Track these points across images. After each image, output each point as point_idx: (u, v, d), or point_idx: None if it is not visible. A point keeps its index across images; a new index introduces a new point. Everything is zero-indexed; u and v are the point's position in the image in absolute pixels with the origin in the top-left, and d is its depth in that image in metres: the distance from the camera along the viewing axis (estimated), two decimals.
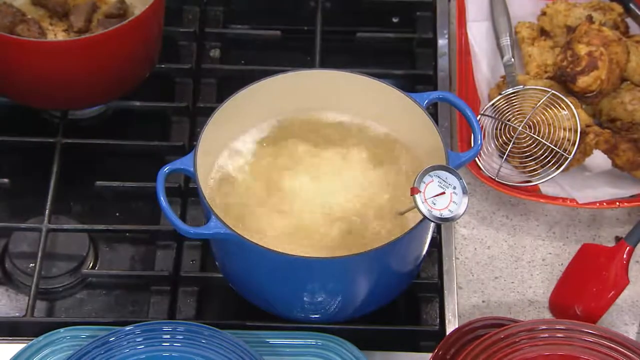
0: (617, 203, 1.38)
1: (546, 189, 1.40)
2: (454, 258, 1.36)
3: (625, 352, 1.19)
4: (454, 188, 1.18)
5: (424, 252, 1.29)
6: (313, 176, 1.30)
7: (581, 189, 1.39)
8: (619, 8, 1.52)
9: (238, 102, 1.29)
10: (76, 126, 1.49)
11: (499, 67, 1.49)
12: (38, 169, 1.44)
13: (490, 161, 1.41)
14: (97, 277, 1.37)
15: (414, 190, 1.17)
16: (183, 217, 1.40)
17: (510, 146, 1.39)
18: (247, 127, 1.33)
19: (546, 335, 1.20)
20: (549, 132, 1.38)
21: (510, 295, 1.35)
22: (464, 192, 1.18)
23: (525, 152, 1.39)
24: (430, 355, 1.21)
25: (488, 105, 1.44)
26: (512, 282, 1.36)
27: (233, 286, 1.30)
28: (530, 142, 1.39)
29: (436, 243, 1.37)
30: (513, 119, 1.41)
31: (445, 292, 1.33)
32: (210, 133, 1.26)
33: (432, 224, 1.24)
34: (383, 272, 1.24)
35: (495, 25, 1.53)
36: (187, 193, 1.42)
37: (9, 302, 1.35)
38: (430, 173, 1.18)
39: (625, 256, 1.29)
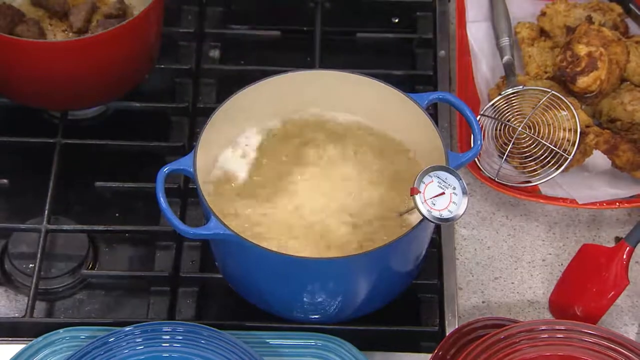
0: (617, 203, 1.38)
1: (546, 189, 1.40)
2: (453, 259, 1.36)
3: (625, 352, 1.19)
4: (454, 188, 1.18)
5: (424, 253, 1.29)
6: (312, 176, 1.30)
7: (581, 190, 1.39)
8: (618, 8, 1.52)
9: (238, 102, 1.29)
10: (76, 126, 1.49)
11: (499, 68, 1.49)
12: (37, 169, 1.44)
13: (490, 161, 1.41)
14: (97, 277, 1.37)
15: (414, 191, 1.17)
16: (182, 218, 1.40)
17: (510, 146, 1.39)
18: (246, 128, 1.33)
19: (546, 335, 1.20)
20: (549, 133, 1.38)
21: (510, 296, 1.35)
22: (464, 192, 1.18)
23: (525, 152, 1.39)
24: (430, 355, 1.21)
25: (488, 106, 1.44)
26: (512, 283, 1.36)
27: (233, 287, 1.30)
28: (530, 142, 1.39)
29: (436, 243, 1.37)
30: (513, 119, 1.41)
31: (445, 292, 1.33)
32: (210, 133, 1.26)
33: (432, 225, 1.24)
34: (383, 273, 1.24)
35: (495, 25, 1.53)
36: (187, 193, 1.42)
37: (8, 302, 1.35)
38: (430, 173, 1.18)
39: (625, 256, 1.29)
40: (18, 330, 1.30)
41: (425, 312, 1.34)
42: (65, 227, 1.38)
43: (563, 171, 1.37)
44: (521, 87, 1.43)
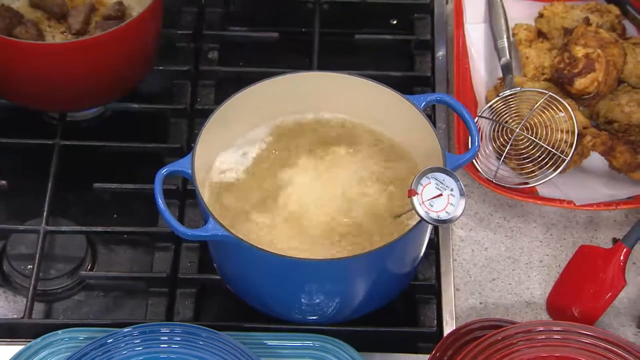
0: (614, 205, 1.38)
1: (543, 190, 1.40)
2: (451, 260, 1.37)
3: (622, 353, 1.19)
4: (452, 190, 1.18)
5: (422, 254, 1.29)
6: (311, 178, 1.30)
7: (578, 191, 1.40)
8: (616, 10, 1.52)
9: (236, 104, 1.29)
10: (74, 128, 1.49)
11: (497, 69, 1.50)
12: (36, 170, 1.44)
13: (487, 163, 1.42)
14: (95, 278, 1.37)
15: (412, 192, 1.17)
16: (181, 219, 1.40)
17: (507, 148, 1.39)
18: (245, 129, 1.34)
19: (543, 336, 1.20)
20: (546, 134, 1.38)
21: (507, 297, 1.35)
22: (462, 194, 1.18)
23: (523, 154, 1.39)
24: (427, 356, 1.21)
25: (485, 107, 1.44)
26: (510, 284, 1.36)
27: (231, 288, 1.31)
28: (528, 144, 1.39)
29: (434, 245, 1.37)
30: (510, 120, 1.41)
31: (443, 293, 1.34)
32: (208, 135, 1.26)
33: (430, 226, 1.24)
34: (381, 274, 1.24)
35: (493, 27, 1.53)
36: (185, 195, 1.42)
37: (6, 303, 1.35)
38: (427, 175, 1.18)
39: (622, 258, 1.29)
40: (17, 332, 1.30)
41: (422, 313, 1.34)
42: (63, 228, 1.38)
43: (560, 172, 1.37)
44: (519, 88, 1.43)
